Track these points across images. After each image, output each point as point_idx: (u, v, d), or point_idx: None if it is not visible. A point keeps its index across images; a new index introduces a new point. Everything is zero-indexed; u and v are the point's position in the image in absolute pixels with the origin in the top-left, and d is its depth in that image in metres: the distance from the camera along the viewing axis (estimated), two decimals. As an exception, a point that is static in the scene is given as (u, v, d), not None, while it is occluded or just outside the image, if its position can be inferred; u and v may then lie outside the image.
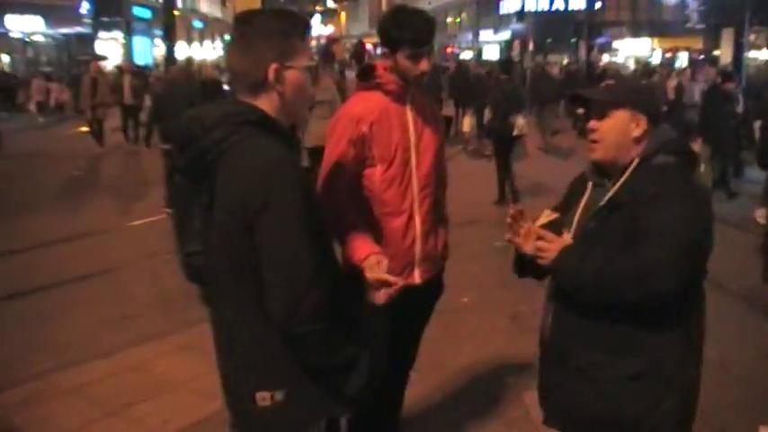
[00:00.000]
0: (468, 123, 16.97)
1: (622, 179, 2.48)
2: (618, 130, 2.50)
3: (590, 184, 2.62)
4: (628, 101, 2.51)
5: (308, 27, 2.35)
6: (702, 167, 10.13)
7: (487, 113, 11.52)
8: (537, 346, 2.74)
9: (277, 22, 2.22)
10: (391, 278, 2.71)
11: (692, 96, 14.43)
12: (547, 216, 2.56)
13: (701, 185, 2.51)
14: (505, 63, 13.28)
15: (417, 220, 3.31)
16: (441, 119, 3.65)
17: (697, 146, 10.28)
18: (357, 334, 2.22)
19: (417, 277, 3.35)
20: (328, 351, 2.11)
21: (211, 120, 2.14)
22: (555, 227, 2.56)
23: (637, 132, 2.49)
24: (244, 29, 2.25)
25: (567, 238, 2.54)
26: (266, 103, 2.20)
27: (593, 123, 2.54)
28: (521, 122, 10.69)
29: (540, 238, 2.50)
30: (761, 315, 6.52)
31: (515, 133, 10.66)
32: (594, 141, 2.54)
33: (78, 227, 9.85)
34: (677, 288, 2.32)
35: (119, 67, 20.75)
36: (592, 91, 2.72)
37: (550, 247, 2.47)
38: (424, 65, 3.20)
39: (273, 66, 2.18)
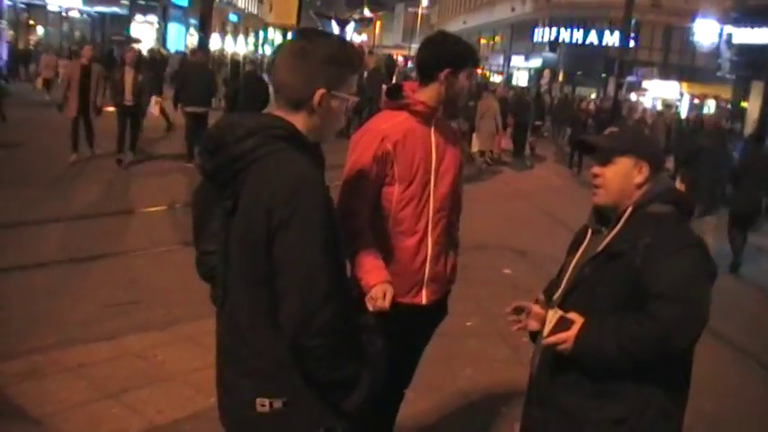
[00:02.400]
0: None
1: (618, 226, 2.53)
2: (621, 176, 2.56)
3: (590, 231, 2.68)
4: (632, 148, 2.57)
5: (360, 64, 2.41)
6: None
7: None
8: None
9: (338, 51, 2.25)
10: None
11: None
12: (551, 320, 2.50)
13: (696, 235, 2.54)
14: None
15: (430, 241, 3.33)
16: (460, 143, 3.69)
17: None
18: (362, 352, 2.24)
19: (424, 298, 3.37)
20: (333, 366, 2.12)
21: (245, 129, 2.16)
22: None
23: (639, 179, 2.55)
24: (305, 45, 2.25)
25: (575, 317, 2.47)
26: (301, 121, 2.23)
27: (596, 169, 2.61)
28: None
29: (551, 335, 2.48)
30: (762, 369, 6.51)
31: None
32: (597, 186, 2.60)
33: (89, 206, 9.86)
34: (694, 341, 2.37)
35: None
36: (597, 138, 2.79)
37: (567, 337, 2.44)
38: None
39: (321, 91, 2.21)
